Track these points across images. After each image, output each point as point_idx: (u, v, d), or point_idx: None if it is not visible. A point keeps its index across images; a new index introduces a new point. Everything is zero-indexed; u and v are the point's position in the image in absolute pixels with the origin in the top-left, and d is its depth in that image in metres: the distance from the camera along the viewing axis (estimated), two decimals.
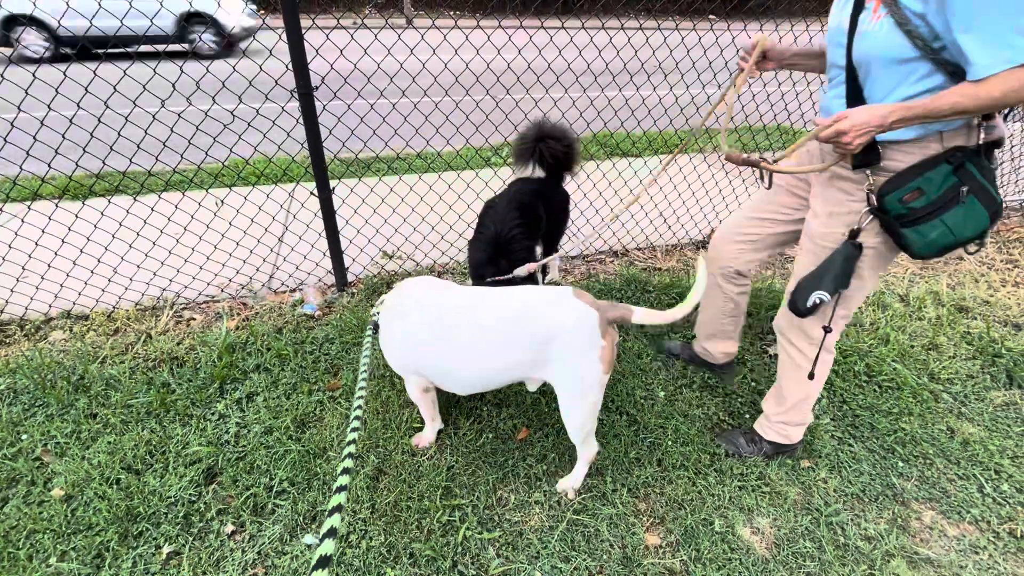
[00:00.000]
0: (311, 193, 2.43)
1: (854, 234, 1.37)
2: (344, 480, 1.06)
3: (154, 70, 2.08)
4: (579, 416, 1.49)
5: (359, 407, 1.30)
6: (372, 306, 2.50)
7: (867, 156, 1.27)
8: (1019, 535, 1.63)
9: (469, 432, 1.88)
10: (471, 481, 1.71)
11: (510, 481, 1.73)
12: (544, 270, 2.03)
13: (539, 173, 2.31)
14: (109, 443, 1.78)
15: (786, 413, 1.75)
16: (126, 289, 2.46)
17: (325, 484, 1.67)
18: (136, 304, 2.50)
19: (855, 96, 1.28)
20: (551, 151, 2.21)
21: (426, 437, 1.82)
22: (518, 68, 2.72)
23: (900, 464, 1.86)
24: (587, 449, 1.62)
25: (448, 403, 1.95)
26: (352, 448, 1.15)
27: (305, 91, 2.10)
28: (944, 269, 3.10)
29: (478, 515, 1.61)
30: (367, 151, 2.78)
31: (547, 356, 1.41)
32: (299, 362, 2.15)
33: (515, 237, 1.99)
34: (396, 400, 1.98)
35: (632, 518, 1.62)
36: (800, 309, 1.47)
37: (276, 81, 2.31)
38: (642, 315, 1.44)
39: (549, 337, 1.38)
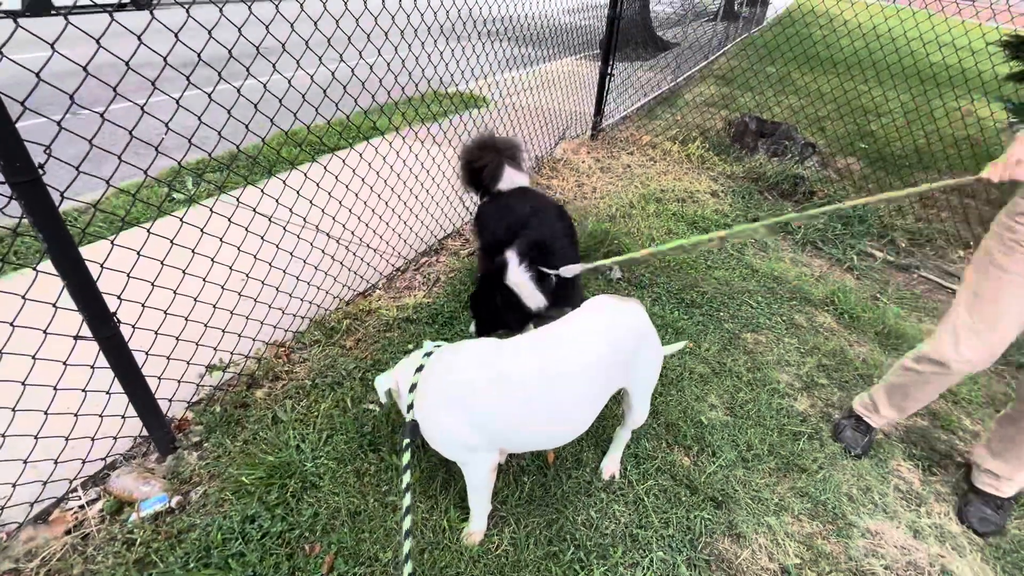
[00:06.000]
0: (75, 338, 1.40)
1: None
2: None
3: None
4: (649, 400, 1.62)
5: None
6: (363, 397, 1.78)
7: None
8: (796, 324, 2.69)
9: (503, 489, 1.71)
10: (547, 535, 1.61)
11: (575, 502, 1.71)
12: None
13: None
14: None
15: None
16: None
17: None
18: None
19: None
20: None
21: (478, 530, 1.57)
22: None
23: (721, 313, 2.73)
24: (631, 431, 1.76)
25: (439, 465, 1.68)
26: None
27: None
28: (634, 175, 4.29)
29: (584, 550, 1.57)
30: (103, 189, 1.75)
31: (633, 363, 1.47)
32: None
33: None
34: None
35: (663, 454, 1.90)
36: None
37: None
38: None
39: (634, 348, 1.45)
